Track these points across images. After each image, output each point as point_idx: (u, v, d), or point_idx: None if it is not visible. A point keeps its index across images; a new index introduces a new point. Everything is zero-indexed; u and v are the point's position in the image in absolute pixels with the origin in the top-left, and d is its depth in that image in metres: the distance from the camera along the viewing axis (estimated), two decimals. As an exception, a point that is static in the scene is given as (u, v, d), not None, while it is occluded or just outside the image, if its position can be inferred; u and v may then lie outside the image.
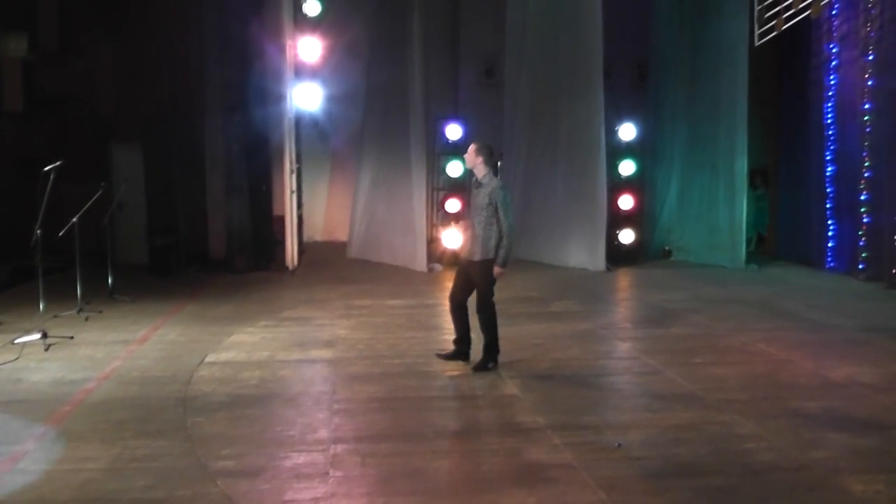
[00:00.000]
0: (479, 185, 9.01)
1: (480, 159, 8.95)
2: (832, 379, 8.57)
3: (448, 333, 11.00)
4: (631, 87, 19.71)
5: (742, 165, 16.40)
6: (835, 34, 15.42)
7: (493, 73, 20.53)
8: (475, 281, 9.05)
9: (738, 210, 16.44)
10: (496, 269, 8.90)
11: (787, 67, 17.75)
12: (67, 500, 5.75)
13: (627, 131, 17.89)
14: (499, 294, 13.63)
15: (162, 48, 17.26)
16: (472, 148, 9.07)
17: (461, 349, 9.28)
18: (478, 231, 8.87)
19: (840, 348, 9.90)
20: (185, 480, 6.04)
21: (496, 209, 8.79)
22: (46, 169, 10.60)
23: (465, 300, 9.24)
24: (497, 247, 8.86)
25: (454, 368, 9.08)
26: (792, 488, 5.78)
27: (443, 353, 9.40)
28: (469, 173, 10.67)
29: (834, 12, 15.27)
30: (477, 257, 8.92)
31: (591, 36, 16.23)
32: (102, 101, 18.17)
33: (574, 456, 6.32)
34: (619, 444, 6.54)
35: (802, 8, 13.99)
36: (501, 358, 9.38)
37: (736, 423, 7.09)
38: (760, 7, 14.92)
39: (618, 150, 17.70)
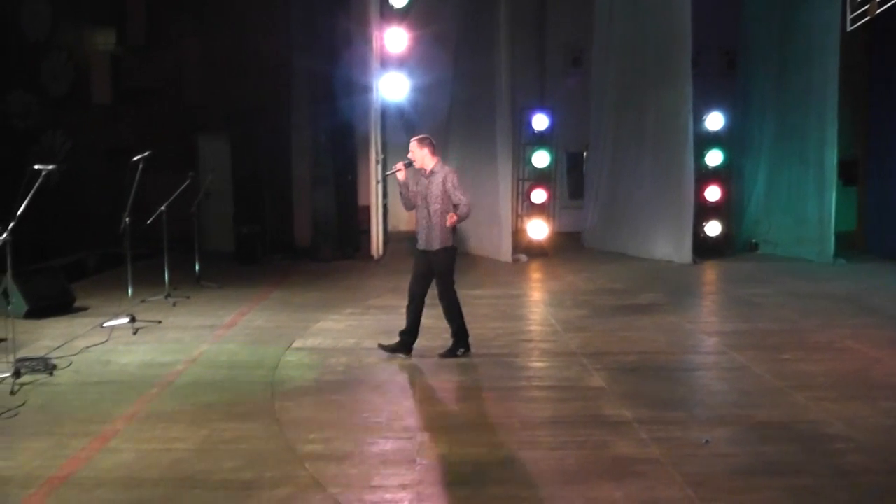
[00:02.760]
0: (428, 175, 8.98)
1: (426, 150, 8.99)
2: (924, 379, 8.38)
3: (533, 324, 11.10)
4: (719, 75, 19.49)
5: (832, 157, 15.93)
6: (931, 18, 14.98)
7: (580, 62, 20.49)
8: (436, 270, 9.06)
9: (826, 203, 16.01)
10: (451, 215, 8.82)
11: (878, 54, 17.25)
12: (157, 479, 5.90)
13: (715, 120, 17.73)
14: (585, 286, 13.81)
15: (248, 40, 17.58)
16: (414, 142, 9.08)
17: (406, 341, 9.23)
18: (435, 220, 8.88)
19: (932, 347, 9.65)
20: (273, 463, 6.16)
21: (450, 195, 8.85)
22: (136, 158, 10.88)
23: (424, 293, 9.23)
24: (453, 232, 8.98)
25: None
26: (884, 492, 5.68)
27: (386, 345, 9.27)
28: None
29: (931, -5, 14.82)
30: (436, 246, 8.94)
31: (680, 23, 16.01)
32: (189, 93, 18.57)
33: (661, 451, 6.30)
34: (707, 441, 6.50)
35: (897, -9, 13.64)
36: (588, 349, 9.45)
37: (824, 422, 6.98)
38: (853, -9, 14.58)
39: (705, 140, 17.57)
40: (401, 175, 9.08)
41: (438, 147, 17.24)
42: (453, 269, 9.12)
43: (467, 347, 9.19)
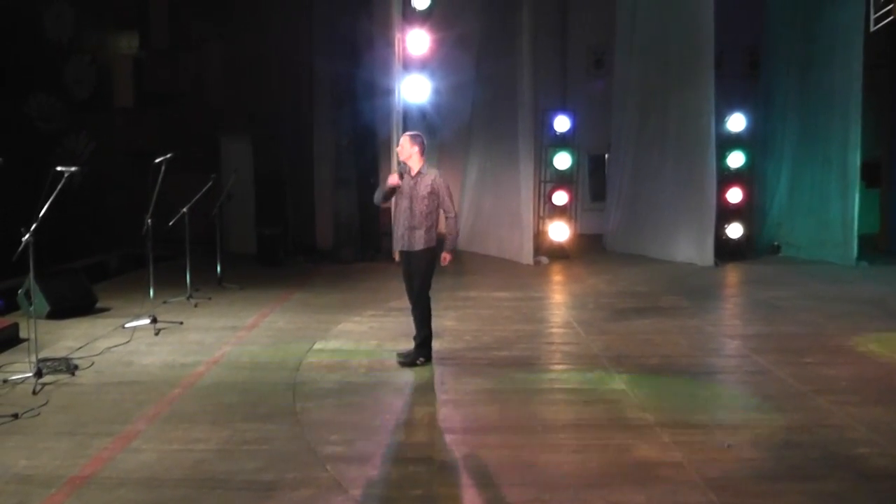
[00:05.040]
0: (413, 174, 8.77)
1: (417, 149, 8.76)
2: (949, 383, 8.30)
3: (555, 326, 11.07)
4: (741, 75, 19.34)
5: (855, 158, 15.78)
6: (955, 18, 14.81)
7: (602, 64, 20.42)
8: (415, 272, 8.91)
9: (850, 205, 15.86)
10: (445, 256, 8.82)
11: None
12: (179, 480, 5.92)
13: (737, 122, 17.62)
14: (606, 288, 13.77)
15: (270, 43, 17.65)
16: (406, 137, 8.87)
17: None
18: (419, 220, 8.72)
19: (958, 351, 9.55)
20: (294, 464, 6.17)
21: (438, 197, 8.74)
22: (158, 160, 10.93)
23: None
24: (436, 233, 8.85)
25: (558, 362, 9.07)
26: (908, 496, 5.63)
27: (403, 352, 9.11)
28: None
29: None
30: (419, 247, 8.78)
31: (703, 24, 15.90)
32: (211, 96, 18.64)
33: (684, 455, 6.27)
34: (729, 445, 6.46)
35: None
36: (610, 352, 9.41)
37: (848, 426, 6.93)
38: (877, -10, 14.45)
39: (727, 142, 17.44)
40: (394, 180, 8.83)
41: (460, 150, 17.30)
42: (433, 272, 9.00)
43: (428, 357, 9.00)
